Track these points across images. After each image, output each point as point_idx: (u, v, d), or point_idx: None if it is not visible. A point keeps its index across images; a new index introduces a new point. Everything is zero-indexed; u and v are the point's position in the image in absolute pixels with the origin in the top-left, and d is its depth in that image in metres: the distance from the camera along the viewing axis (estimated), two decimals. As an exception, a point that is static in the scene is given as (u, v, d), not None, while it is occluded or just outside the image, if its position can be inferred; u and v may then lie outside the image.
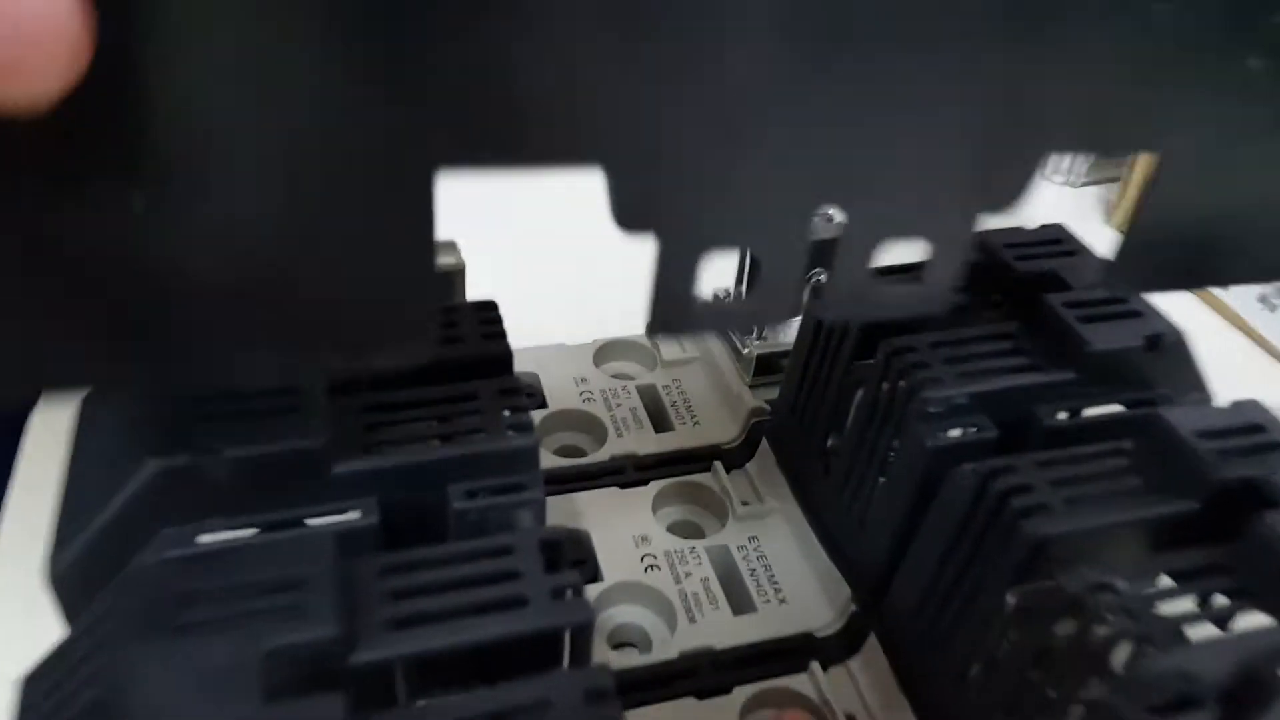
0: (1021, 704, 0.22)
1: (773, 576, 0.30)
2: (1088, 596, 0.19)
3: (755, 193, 0.15)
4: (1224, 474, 0.22)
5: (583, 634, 0.18)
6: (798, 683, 0.28)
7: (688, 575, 0.30)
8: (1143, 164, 0.51)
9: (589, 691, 0.17)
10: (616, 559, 0.30)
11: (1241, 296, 0.47)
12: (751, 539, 0.31)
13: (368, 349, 0.15)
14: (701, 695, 0.27)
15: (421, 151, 0.13)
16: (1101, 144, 0.18)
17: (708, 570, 0.30)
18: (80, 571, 0.20)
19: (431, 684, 0.19)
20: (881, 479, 0.26)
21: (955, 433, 0.24)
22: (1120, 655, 0.19)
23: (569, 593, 0.18)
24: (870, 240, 0.16)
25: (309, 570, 0.17)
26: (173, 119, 0.12)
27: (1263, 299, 0.47)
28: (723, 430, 0.35)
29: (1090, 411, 0.25)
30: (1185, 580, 0.20)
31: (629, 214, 0.15)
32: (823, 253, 0.16)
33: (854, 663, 0.28)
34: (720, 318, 0.17)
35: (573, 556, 0.30)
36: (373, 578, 0.18)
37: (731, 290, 0.33)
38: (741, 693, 0.27)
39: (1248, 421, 0.23)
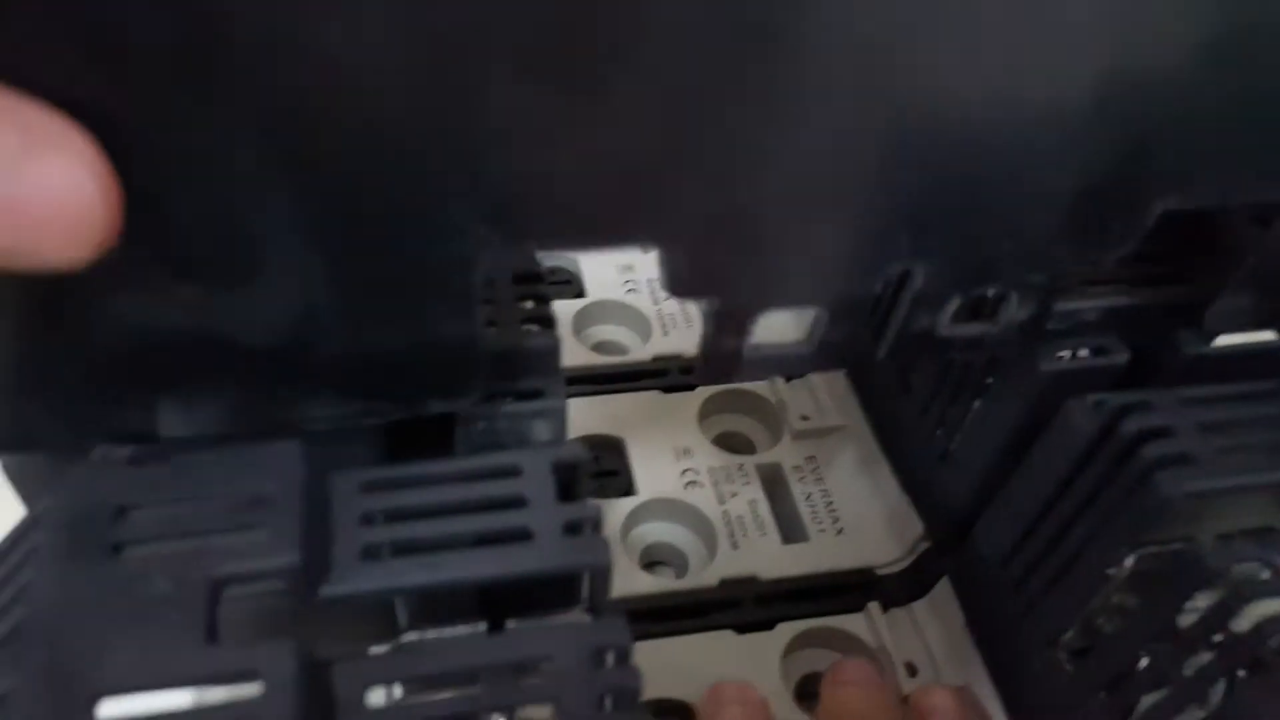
0: (1128, 685, 0.18)
1: (830, 504, 0.27)
2: (1235, 569, 0.16)
3: (810, 258, 0.16)
4: None
5: (599, 577, 0.15)
6: (852, 623, 0.25)
7: (734, 495, 0.26)
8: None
9: (599, 649, 0.13)
10: (654, 472, 0.27)
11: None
12: (809, 459, 0.28)
13: (421, 403, 0.16)
14: (741, 630, 0.24)
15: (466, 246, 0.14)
16: None
17: (756, 491, 0.27)
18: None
19: (427, 616, 0.16)
20: (977, 402, 0.22)
21: (1080, 353, 0.19)
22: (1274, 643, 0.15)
23: (586, 528, 0.15)
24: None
25: (273, 485, 0.14)
26: (217, 233, 0.13)
27: None
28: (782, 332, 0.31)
29: (1245, 339, 0.20)
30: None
31: (682, 285, 0.15)
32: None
33: (920, 606, 0.25)
34: (771, 364, 0.18)
35: (602, 467, 0.27)
36: (351, 496, 0.14)
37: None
38: (787, 630, 0.24)
39: None
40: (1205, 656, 0.17)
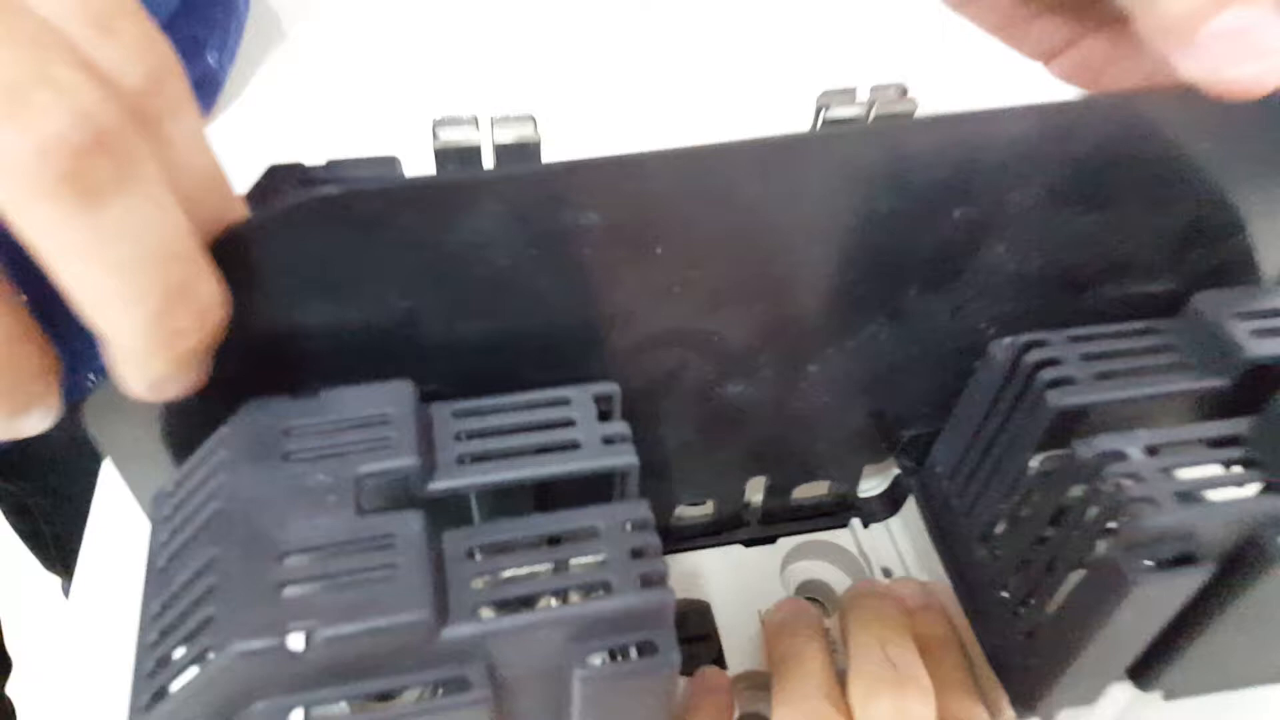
0: (1034, 562, 0.24)
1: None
2: (1098, 461, 0.21)
3: None
4: (1256, 353, 0.22)
5: (628, 476, 0.20)
6: (839, 537, 0.30)
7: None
8: None
9: (633, 522, 0.19)
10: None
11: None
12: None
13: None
14: (748, 544, 0.30)
15: None
16: None
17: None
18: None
19: (500, 510, 0.22)
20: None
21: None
22: (1127, 516, 0.21)
23: (619, 441, 0.20)
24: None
25: (394, 410, 0.20)
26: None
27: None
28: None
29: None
30: (1199, 450, 0.21)
31: None
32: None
33: (893, 521, 0.30)
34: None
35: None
36: (447, 420, 0.20)
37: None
38: (785, 544, 0.30)
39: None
40: (1078, 536, 0.22)
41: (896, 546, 0.30)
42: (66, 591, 0.77)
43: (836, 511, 0.30)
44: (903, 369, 0.25)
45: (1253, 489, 0.21)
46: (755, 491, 0.29)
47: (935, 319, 0.24)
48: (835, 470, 0.29)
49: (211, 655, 0.16)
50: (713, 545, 0.30)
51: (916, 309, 0.24)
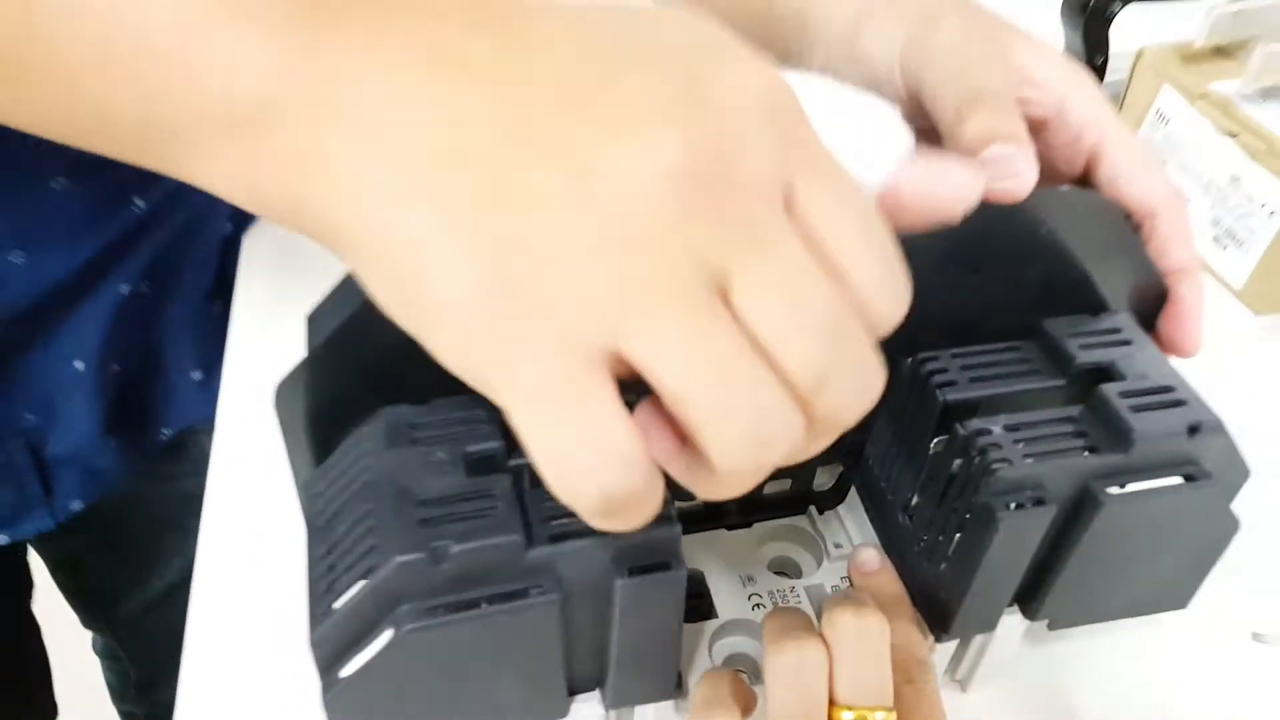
0: (934, 522, 0.32)
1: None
2: (972, 437, 0.30)
3: None
4: (1083, 360, 0.32)
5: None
6: (800, 522, 0.39)
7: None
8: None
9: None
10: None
11: (1201, 239, 0.56)
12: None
13: None
14: (731, 528, 0.38)
15: None
16: None
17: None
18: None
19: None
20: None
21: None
22: (991, 473, 0.29)
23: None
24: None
25: (483, 412, 0.28)
26: None
27: (1216, 239, 0.56)
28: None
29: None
30: (1044, 428, 0.30)
31: None
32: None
33: (842, 508, 0.39)
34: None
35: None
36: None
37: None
38: (760, 528, 0.38)
39: (1110, 325, 0.33)
40: (961, 490, 0.31)
41: (844, 527, 0.38)
42: (96, 647, 0.82)
43: (797, 502, 0.39)
44: None
45: (1083, 455, 0.30)
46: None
47: None
48: (796, 472, 0.38)
49: (377, 570, 0.25)
50: (702, 530, 0.38)
51: None
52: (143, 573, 0.66)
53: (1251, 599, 0.40)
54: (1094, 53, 0.62)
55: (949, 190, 0.24)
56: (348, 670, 0.26)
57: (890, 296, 0.21)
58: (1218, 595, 0.35)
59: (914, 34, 0.32)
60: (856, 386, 0.21)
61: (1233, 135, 0.53)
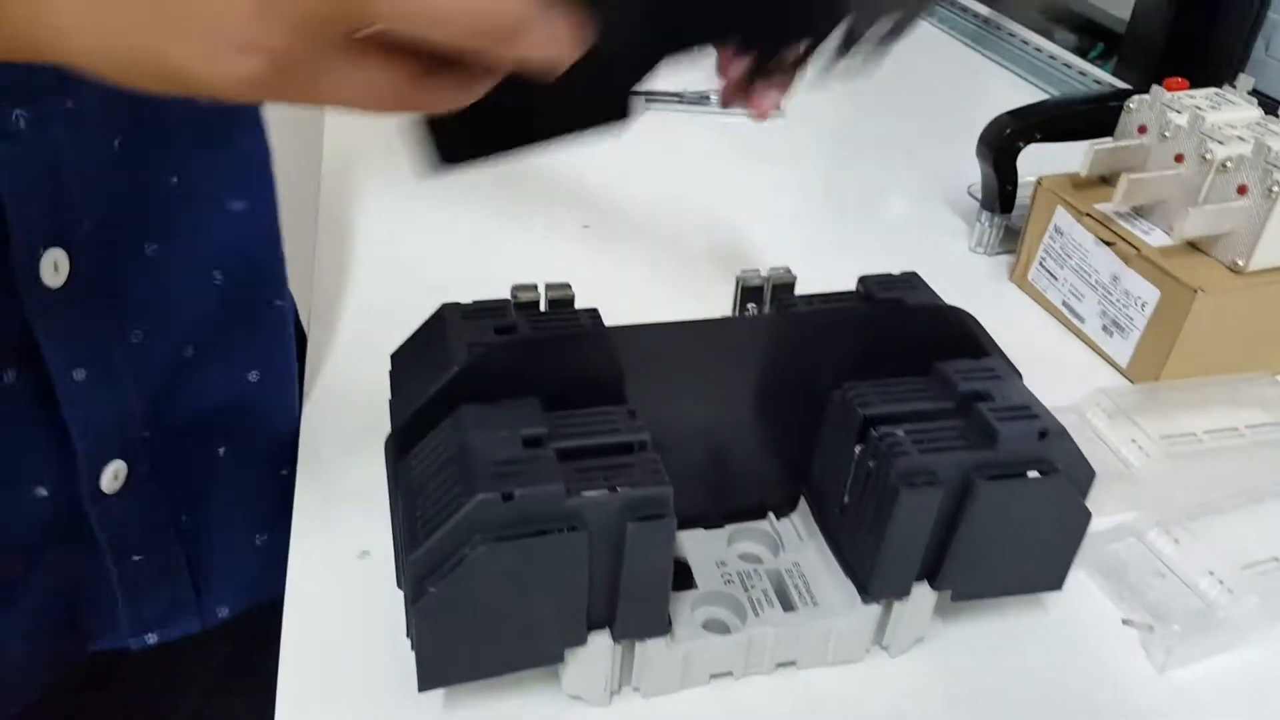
0: (859, 507, 0.43)
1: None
2: (881, 438, 0.41)
3: None
4: (964, 388, 0.43)
5: (645, 443, 0.40)
6: (761, 525, 0.49)
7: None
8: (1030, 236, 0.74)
9: (650, 457, 0.39)
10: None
11: (1092, 327, 0.69)
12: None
13: None
14: (707, 528, 0.49)
15: None
16: None
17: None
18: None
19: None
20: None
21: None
22: (895, 464, 0.41)
23: (639, 431, 0.40)
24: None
25: (531, 411, 0.39)
26: None
27: (1104, 327, 0.68)
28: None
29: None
30: (936, 434, 0.42)
31: None
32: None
33: (794, 514, 0.50)
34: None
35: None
36: (556, 417, 0.40)
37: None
38: (730, 528, 0.49)
39: (985, 367, 0.45)
40: (875, 479, 0.42)
41: (795, 527, 0.49)
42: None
43: (759, 509, 0.50)
44: (795, 437, 0.46)
45: (964, 452, 0.42)
46: (710, 497, 0.49)
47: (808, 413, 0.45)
48: (761, 490, 0.49)
49: (463, 505, 0.35)
50: (688, 529, 0.49)
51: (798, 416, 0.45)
52: None
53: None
54: (1004, 182, 0.76)
55: None
56: (434, 584, 0.36)
57: None
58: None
59: None
60: None
61: (1110, 244, 0.67)
